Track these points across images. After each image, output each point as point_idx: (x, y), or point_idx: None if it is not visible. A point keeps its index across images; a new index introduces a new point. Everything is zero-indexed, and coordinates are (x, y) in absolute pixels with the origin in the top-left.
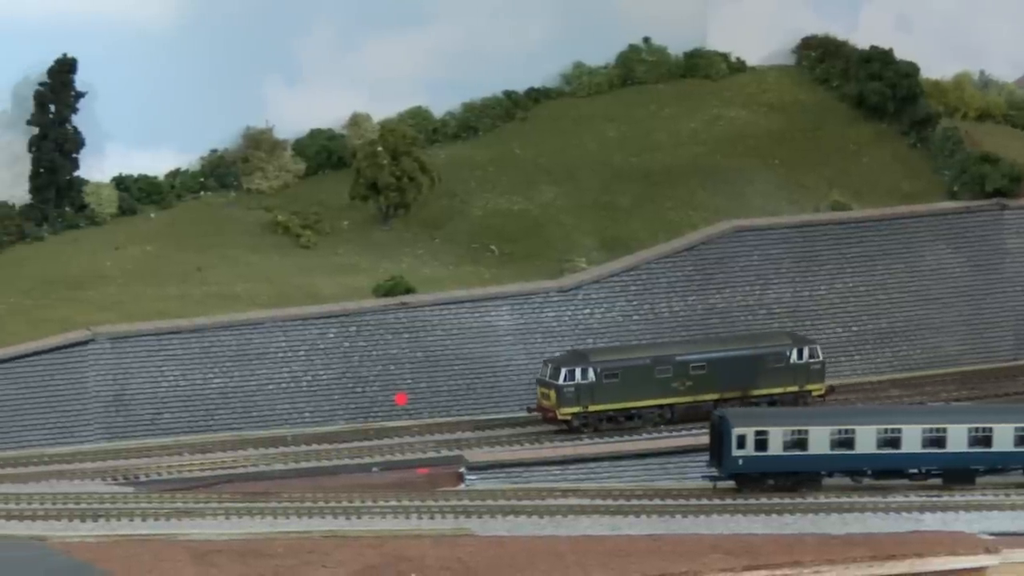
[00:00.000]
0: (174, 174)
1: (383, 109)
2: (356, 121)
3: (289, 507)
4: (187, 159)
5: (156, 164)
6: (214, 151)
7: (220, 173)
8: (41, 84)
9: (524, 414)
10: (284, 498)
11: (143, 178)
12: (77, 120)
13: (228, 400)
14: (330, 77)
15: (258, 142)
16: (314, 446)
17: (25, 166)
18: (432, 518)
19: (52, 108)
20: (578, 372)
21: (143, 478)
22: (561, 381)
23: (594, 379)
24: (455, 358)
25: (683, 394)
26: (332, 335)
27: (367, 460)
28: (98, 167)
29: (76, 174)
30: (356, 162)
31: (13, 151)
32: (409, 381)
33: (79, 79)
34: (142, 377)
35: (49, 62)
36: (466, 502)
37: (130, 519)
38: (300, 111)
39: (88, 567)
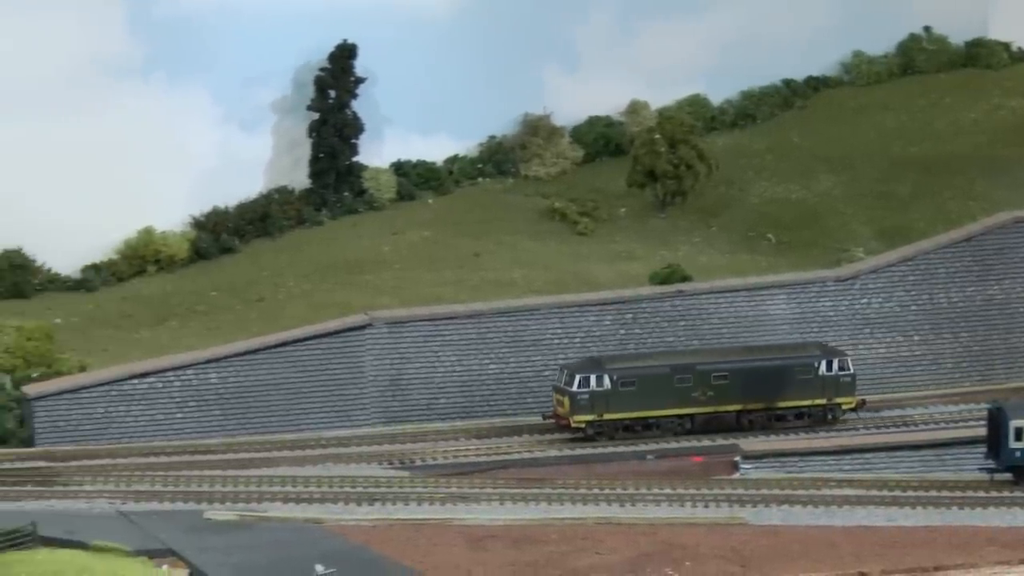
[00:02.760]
0: (452, 160)
1: (661, 96)
2: (634, 108)
3: (563, 494)
4: (464, 145)
5: (433, 150)
6: (492, 137)
7: (498, 159)
8: (322, 70)
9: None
10: (558, 485)
11: (421, 164)
12: (356, 105)
13: (504, 386)
14: (608, 64)
15: (536, 129)
16: None
17: (304, 151)
18: (706, 506)
19: (332, 94)
20: (593, 379)
21: (419, 462)
22: (575, 388)
23: (609, 387)
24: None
25: (704, 404)
26: (608, 322)
27: (641, 448)
28: (377, 152)
29: (355, 159)
30: (634, 149)
31: (292, 136)
32: None
33: (358, 64)
34: (418, 362)
35: (329, 48)
36: (740, 491)
37: (405, 503)
38: (578, 98)
39: (363, 550)
